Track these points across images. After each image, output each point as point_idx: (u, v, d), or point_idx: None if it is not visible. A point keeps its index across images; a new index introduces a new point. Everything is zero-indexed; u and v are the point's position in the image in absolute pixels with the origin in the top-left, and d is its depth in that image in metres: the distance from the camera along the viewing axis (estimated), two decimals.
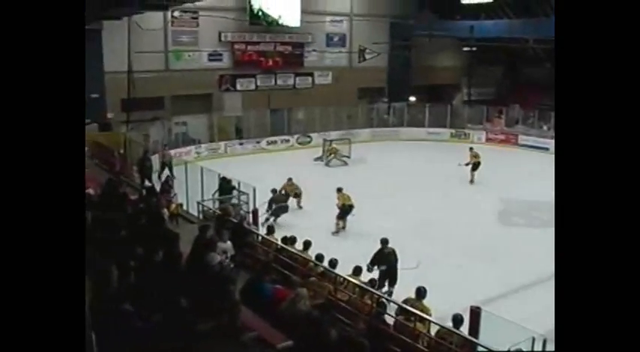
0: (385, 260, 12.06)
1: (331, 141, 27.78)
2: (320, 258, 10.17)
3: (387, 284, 12.07)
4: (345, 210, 16.82)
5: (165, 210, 12.51)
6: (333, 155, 26.39)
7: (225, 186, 16.14)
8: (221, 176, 16.30)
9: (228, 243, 10.04)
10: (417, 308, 8.31)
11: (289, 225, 15.53)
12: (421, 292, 8.77)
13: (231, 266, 9.23)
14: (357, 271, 9.87)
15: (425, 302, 8.73)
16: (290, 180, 19.25)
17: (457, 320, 7.91)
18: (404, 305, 8.42)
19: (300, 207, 18.83)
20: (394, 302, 8.62)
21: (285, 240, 11.18)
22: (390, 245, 12.24)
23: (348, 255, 11.33)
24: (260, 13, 29.39)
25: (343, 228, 16.79)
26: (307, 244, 10.94)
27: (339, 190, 17.23)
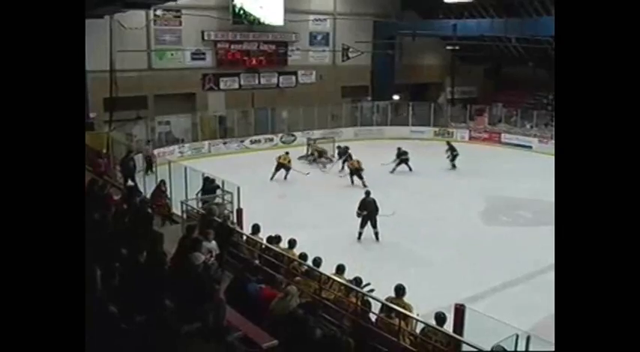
0: (367, 206, 15.77)
1: (315, 140, 27.78)
2: (304, 257, 10.16)
3: (369, 225, 15.74)
4: (280, 166, 22.50)
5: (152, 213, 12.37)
6: (318, 154, 26.24)
7: (209, 186, 16.05)
8: (205, 175, 16.22)
9: (213, 242, 10.01)
10: (397, 306, 8.32)
11: (278, 220, 15.50)
12: (400, 290, 8.77)
13: (216, 265, 9.21)
14: (341, 269, 9.87)
15: (409, 300, 8.74)
16: (287, 153, 23.49)
17: (440, 318, 7.93)
18: (386, 303, 8.44)
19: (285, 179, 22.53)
20: (377, 300, 8.63)
21: (270, 239, 11.16)
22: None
23: (333, 248, 11.33)
24: (242, 12, 29.30)
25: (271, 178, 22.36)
26: (292, 243, 10.92)
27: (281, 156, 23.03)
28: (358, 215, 15.79)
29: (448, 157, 24.81)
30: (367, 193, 16.28)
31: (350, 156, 23.26)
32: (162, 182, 15.69)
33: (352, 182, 21.80)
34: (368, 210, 15.74)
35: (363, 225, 15.76)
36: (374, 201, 15.89)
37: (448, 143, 25.88)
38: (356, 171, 21.81)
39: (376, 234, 15.75)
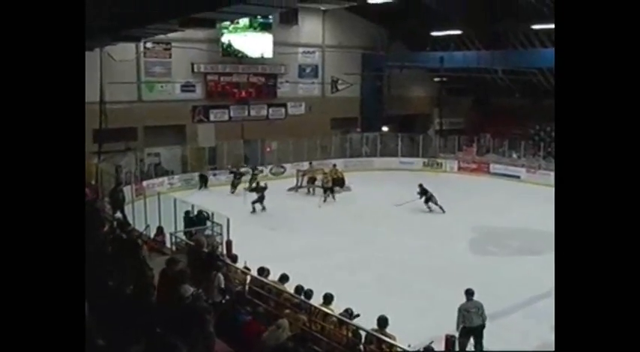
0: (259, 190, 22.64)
1: (304, 171, 27.81)
2: (299, 289, 10.10)
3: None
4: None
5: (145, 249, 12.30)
6: (333, 181, 25.66)
7: (193, 219, 16.00)
8: (186, 210, 16.18)
9: (220, 276, 10.08)
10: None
11: (268, 251, 15.47)
12: (382, 321, 8.74)
13: (205, 297, 9.14)
14: (328, 299, 9.82)
15: (400, 331, 8.70)
16: (334, 166, 27.42)
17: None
18: (372, 333, 8.39)
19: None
20: (364, 330, 8.58)
21: (260, 271, 11.10)
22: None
23: (323, 280, 11.27)
24: (229, 49, 29.59)
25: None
26: (284, 278, 10.81)
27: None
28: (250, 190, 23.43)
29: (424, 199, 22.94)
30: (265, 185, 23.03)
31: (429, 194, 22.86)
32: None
33: (327, 197, 24.42)
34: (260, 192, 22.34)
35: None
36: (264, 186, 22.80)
37: (421, 186, 23.24)
38: (332, 187, 24.79)
39: (263, 207, 22.27)
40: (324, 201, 24.12)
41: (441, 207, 22.61)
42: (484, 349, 10.52)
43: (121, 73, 25.63)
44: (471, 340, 10.56)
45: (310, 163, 28.47)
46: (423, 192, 22.89)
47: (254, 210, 22.33)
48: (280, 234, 19.30)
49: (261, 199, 22.63)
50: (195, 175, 28.12)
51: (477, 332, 10.46)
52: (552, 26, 23.15)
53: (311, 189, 26.36)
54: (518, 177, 29.91)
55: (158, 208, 16.89)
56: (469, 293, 10.62)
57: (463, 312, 10.43)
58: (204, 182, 27.41)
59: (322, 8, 29.56)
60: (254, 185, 24.11)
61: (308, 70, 33.58)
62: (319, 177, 25.98)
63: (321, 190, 25.11)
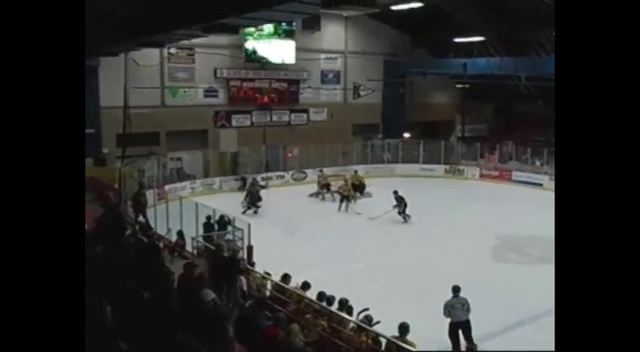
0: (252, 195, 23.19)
1: (319, 178, 27.70)
2: (322, 295, 10.12)
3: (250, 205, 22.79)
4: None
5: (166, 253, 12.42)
6: (354, 187, 25.74)
7: (220, 222, 16.15)
8: (207, 215, 16.29)
9: (243, 279, 10.15)
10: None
11: (288, 257, 15.51)
12: (403, 328, 8.74)
13: (228, 303, 9.21)
14: (343, 304, 9.85)
15: (420, 339, 8.68)
16: (356, 172, 27.81)
17: None
18: (392, 340, 8.38)
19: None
20: (383, 336, 8.57)
21: (283, 277, 11.13)
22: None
23: (341, 285, 11.28)
24: (253, 55, 29.75)
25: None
26: (306, 285, 10.84)
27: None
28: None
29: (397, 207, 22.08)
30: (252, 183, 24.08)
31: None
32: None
33: (342, 206, 23.95)
34: (251, 196, 23.00)
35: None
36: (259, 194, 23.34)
37: (396, 193, 22.37)
38: (348, 195, 24.18)
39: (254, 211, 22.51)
40: (339, 209, 23.89)
41: (406, 217, 22.00)
42: (483, 350, 10.61)
43: (145, 78, 25.92)
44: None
45: (321, 170, 28.31)
46: (399, 200, 22.04)
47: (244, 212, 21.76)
48: (298, 239, 19.33)
49: (252, 206, 22.82)
50: (218, 180, 28.36)
51: (464, 326, 10.89)
52: None
53: (326, 195, 26.37)
54: (540, 184, 29.58)
55: (180, 212, 17.01)
56: (455, 289, 11.14)
57: (449, 308, 10.96)
58: (244, 184, 27.32)
59: (345, 14, 29.62)
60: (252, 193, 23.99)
61: (330, 76, 33.63)
62: (338, 184, 25.81)
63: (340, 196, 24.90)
